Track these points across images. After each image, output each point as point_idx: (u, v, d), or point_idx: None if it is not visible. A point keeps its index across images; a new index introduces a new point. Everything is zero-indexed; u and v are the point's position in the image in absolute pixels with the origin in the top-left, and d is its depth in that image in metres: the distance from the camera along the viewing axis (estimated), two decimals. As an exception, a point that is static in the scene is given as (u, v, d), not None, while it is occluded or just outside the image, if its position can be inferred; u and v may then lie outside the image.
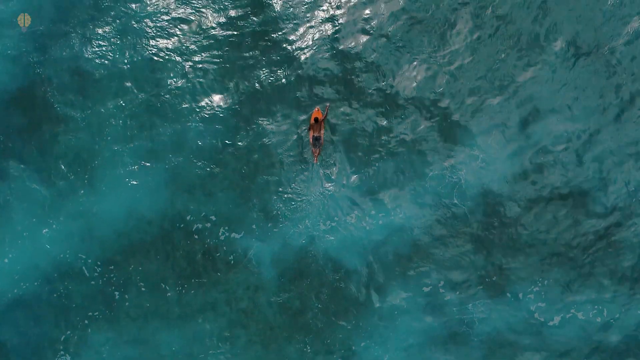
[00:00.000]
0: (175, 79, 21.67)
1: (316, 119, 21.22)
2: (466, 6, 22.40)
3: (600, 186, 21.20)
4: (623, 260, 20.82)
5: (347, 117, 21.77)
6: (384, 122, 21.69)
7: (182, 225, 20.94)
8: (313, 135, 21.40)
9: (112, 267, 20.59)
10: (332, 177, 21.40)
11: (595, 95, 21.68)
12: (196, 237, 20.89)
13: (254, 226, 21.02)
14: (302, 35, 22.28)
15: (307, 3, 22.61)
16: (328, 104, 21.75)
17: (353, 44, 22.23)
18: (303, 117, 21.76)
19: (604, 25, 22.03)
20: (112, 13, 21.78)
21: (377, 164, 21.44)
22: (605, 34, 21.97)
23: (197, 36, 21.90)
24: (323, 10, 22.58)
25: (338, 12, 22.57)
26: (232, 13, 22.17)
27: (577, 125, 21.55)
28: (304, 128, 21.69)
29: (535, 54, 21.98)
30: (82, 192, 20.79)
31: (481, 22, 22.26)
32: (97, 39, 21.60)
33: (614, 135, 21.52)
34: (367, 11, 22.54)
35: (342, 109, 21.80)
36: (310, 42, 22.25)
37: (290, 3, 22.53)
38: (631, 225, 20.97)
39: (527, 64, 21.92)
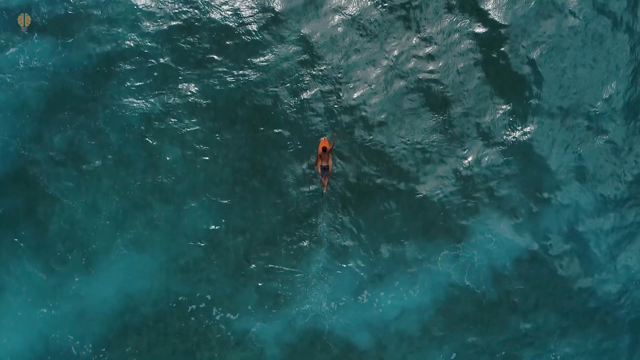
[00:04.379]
0: (170, 160, 21.60)
1: (324, 149, 20.85)
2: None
3: (608, 267, 21.51)
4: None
5: (356, 196, 21.66)
6: (394, 202, 21.63)
7: (176, 305, 20.52)
8: (321, 165, 21.05)
9: (106, 347, 20.16)
10: (340, 257, 21.15)
11: (608, 184, 22.04)
12: (192, 318, 20.47)
13: (249, 307, 20.64)
14: (295, 108, 22.36)
15: (305, 75, 22.81)
16: (335, 134, 21.49)
17: (374, 117, 22.32)
18: (302, 189, 21.63)
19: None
20: (104, 99, 21.78)
21: (387, 245, 21.30)
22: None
23: (192, 117, 22.04)
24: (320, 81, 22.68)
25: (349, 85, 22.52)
26: (220, 100, 22.28)
27: (588, 210, 21.86)
28: (311, 158, 21.62)
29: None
30: (76, 272, 20.44)
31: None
32: (90, 122, 21.57)
33: (619, 222, 21.83)
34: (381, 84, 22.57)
35: (351, 189, 21.69)
36: (308, 117, 22.30)
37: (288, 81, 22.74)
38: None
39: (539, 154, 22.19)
